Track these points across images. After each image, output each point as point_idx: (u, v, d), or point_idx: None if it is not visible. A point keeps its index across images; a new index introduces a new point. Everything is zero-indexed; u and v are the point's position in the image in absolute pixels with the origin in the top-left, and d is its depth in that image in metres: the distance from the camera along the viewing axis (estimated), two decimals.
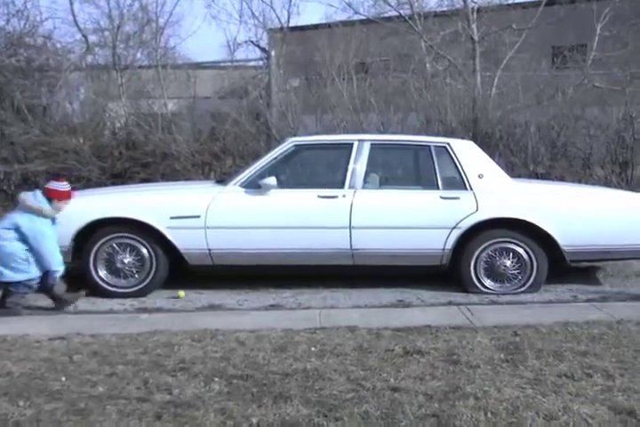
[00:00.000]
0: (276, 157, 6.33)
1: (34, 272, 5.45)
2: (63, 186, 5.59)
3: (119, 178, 9.40)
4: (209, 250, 6.07)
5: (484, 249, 6.15)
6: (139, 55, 14.73)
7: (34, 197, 5.49)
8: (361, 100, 10.19)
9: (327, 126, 9.93)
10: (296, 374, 3.88)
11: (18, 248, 5.38)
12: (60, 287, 5.64)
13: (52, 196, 5.51)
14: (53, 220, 5.56)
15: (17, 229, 5.39)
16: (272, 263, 6.23)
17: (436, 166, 6.30)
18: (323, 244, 6.04)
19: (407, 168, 6.98)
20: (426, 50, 15.01)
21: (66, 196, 5.59)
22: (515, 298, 5.99)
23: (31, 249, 5.41)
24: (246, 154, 9.48)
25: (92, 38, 14.64)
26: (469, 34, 14.42)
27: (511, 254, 6.15)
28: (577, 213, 6.22)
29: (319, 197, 6.12)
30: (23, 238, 5.40)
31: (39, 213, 5.42)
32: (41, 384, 3.78)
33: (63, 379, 3.86)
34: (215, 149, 9.69)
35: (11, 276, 5.39)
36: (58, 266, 5.51)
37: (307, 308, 5.73)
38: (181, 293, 5.99)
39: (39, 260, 5.43)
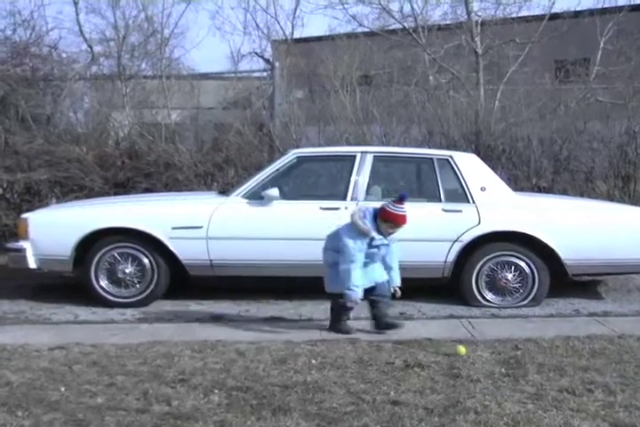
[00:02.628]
0: (278, 169, 6.34)
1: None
2: (400, 209, 5.00)
3: (122, 188, 9.40)
4: (210, 261, 6.07)
5: (486, 262, 6.14)
6: (143, 65, 14.82)
7: (362, 213, 5.03)
8: (364, 112, 10.20)
9: (330, 138, 9.93)
10: (296, 386, 3.87)
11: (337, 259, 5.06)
12: (341, 314, 5.18)
13: (382, 216, 4.99)
14: (378, 246, 5.03)
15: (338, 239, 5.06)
16: (273, 275, 6.23)
17: (439, 179, 6.31)
18: None
19: (410, 181, 6.99)
20: (429, 63, 15.07)
21: (398, 220, 5.00)
22: (516, 312, 5.97)
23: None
24: (249, 165, 9.47)
25: (98, 48, 14.74)
26: (473, 47, 14.47)
27: (513, 268, 6.14)
28: (579, 226, 6.22)
29: (321, 208, 6.12)
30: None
31: (357, 228, 4.96)
32: (40, 394, 3.77)
33: (62, 389, 3.85)
34: (218, 159, 9.69)
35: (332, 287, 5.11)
36: (348, 288, 4.94)
37: (308, 319, 5.72)
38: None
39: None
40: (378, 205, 5.14)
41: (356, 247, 4.95)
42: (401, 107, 11.02)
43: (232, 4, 29.72)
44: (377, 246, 5.05)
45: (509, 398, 3.69)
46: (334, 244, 5.10)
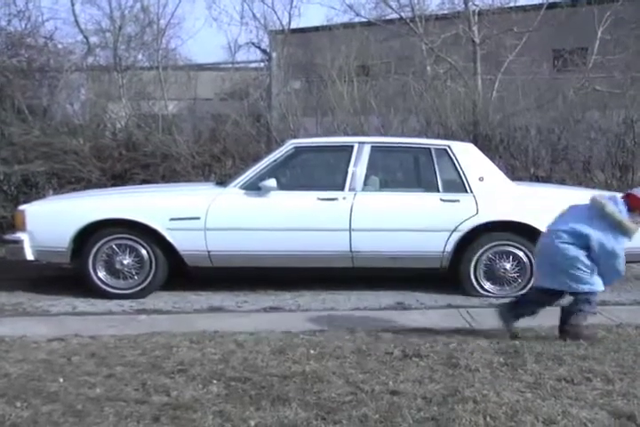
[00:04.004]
0: (276, 159, 6.32)
1: (598, 285, 4.44)
2: None
3: (119, 179, 9.37)
4: (208, 252, 6.06)
5: (484, 252, 6.14)
6: (140, 56, 14.80)
7: (614, 204, 4.29)
8: (361, 102, 10.18)
9: (327, 128, 9.92)
10: (295, 376, 3.87)
11: (580, 254, 4.39)
12: (581, 318, 4.53)
13: (637, 205, 4.31)
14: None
15: (581, 237, 4.36)
16: (271, 265, 6.22)
17: (437, 169, 6.30)
18: (322, 246, 6.03)
19: (407, 171, 6.98)
20: (426, 52, 15.05)
21: None
22: None
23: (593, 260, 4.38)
24: (246, 156, 9.45)
25: (94, 39, 14.73)
26: (470, 36, 14.45)
27: (511, 257, 6.14)
28: None
29: (319, 199, 6.11)
30: (587, 246, 4.36)
31: (617, 225, 4.24)
32: (38, 386, 3.77)
33: (61, 380, 3.85)
34: (215, 150, 9.67)
35: (572, 286, 4.45)
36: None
37: (306, 310, 5.72)
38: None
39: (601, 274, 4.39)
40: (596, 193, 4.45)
41: (623, 249, 4.27)
42: (398, 97, 11.01)
43: None
44: None
45: (508, 388, 3.69)
46: (582, 242, 4.39)
